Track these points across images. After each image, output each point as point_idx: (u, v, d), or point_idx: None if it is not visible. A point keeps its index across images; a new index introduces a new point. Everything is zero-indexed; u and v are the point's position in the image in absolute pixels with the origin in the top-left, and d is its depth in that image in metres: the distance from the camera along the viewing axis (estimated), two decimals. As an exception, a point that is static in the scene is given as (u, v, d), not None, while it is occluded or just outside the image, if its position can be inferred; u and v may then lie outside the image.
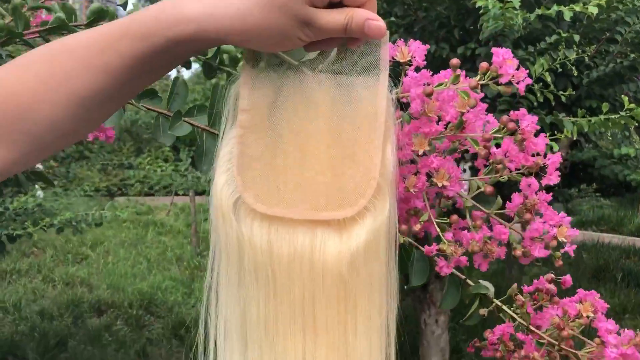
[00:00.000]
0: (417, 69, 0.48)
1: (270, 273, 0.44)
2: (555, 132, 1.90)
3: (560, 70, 2.08)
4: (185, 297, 4.83)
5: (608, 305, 0.54)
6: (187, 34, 0.42)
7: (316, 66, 0.46)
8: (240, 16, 0.41)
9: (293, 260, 0.44)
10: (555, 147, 1.83)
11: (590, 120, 2.08)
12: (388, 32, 0.43)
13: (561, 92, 2.10)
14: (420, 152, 0.47)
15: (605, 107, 2.02)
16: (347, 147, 0.45)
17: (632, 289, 5.10)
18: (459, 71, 0.47)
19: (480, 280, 0.61)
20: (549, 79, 2.00)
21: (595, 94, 2.69)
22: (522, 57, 2.32)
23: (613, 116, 2.03)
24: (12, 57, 0.98)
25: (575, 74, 2.05)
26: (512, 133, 0.47)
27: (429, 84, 0.48)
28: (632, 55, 2.42)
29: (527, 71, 0.48)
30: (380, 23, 0.42)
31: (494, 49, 0.47)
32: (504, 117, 0.47)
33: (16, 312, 4.31)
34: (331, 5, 0.42)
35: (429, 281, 3.36)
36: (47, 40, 0.99)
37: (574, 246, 0.50)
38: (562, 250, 0.50)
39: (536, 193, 0.50)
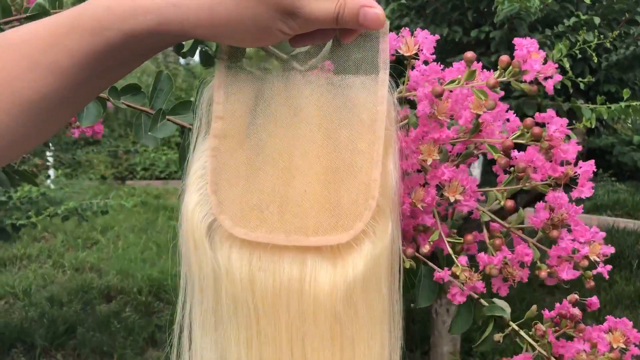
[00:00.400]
0: (426, 63, 0.41)
1: (252, 310, 0.38)
2: (574, 122, 1.82)
3: (580, 56, 1.99)
4: (194, 283, 4.81)
5: (643, 333, 0.48)
6: (146, 28, 0.35)
7: (306, 63, 0.39)
8: (209, 6, 0.34)
9: (279, 295, 0.38)
10: (573, 137, 1.74)
11: (609, 107, 1.99)
12: (388, 22, 0.36)
13: (580, 79, 2.01)
14: (430, 161, 0.40)
15: (626, 93, 1.94)
16: (341, 160, 0.38)
17: (648, 276, 5.01)
18: (474, 66, 0.40)
19: (495, 300, 0.54)
20: (567, 65, 1.91)
21: (614, 78, 2.60)
22: (539, 40, 2.23)
23: (634, 103, 1.94)
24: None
25: (595, 60, 1.96)
26: (538, 139, 0.40)
27: (440, 81, 0.41)
28: (654, 38, 2.32)
29: (545, 54, 0.41)
30: (378, 11, 0.35)
31: (516, 40, 0.40)
32: (528, 120, 0.40)
33: (26, 298, 4.31)
34: None
35: (441, 267, 3.30)
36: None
37: (609, 266, 0.43)
38: (594, 271, 0.44)
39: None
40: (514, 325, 0.53)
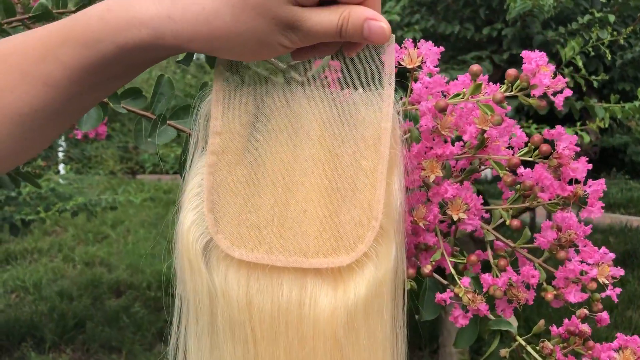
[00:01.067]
0: (430, 75, 0.39)
1: (249, 333, 0.37)
2: (587, 122, 1.79)
3: (593, 54, 1.96)
4: (203, 279, 4.82)
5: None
6: (139, 40, 0.34)
7: (305, 73, 0.37)
8: (205, 19, 0.33)
9: (277, 318, 0.36)
10: (586, 139, 1.72)
11: (623, 107, 1.96)
12: (393, 36, 0.35)
13: (593, 77, 1.97)
14: (432, 178, 0.39)
15: (640, 92, 1.91)
16: (344, 178, 0.36)
17: (661, 276, 4.95)
18: (480, 79, 0.38)
19: (503, 316, 0.53)
20: (580, 63, 1.87)
21: (629, 76, 2.56)
22: (552, 38, 2.20)
23: (648, 102, 1.91)
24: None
25: (609, 57, 1.92)
26: (546, 157, 0.38)
27: (444, 93, 0.39)
28: (670, 36, 2.28)
29: (553, 68, 0.39)
30: (383, 24, 0.33)
31: (524, 53, 0.38)
32: (536, 137, 0.38)
33: (36, 292, 4.34)
34: (323, 4, 0.33)
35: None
36: (30, 28, 0.92)
37: (618, 290, 0.41)
38: (603, 294, 0.42)
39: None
40: (520, 340, 0.51)
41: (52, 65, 0.35)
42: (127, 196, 2.51)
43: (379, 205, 0.36)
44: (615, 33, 1.97)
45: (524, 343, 0.51)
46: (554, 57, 2.13)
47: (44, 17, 0.85)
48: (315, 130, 0.37)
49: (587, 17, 2.03)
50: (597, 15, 2.01)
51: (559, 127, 0.38)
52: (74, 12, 0.87)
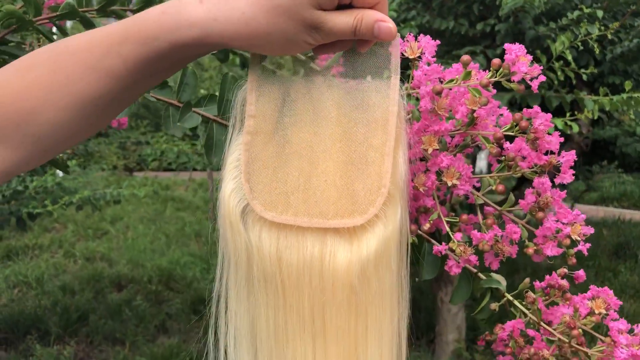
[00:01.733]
0: (428, 64, 0.47)
1: (279, 282, 0.43)
2: (576, 112, 1.86)
3: (582, 48, 2.03)
4: (204, 273, 4.88)
5: (621, 303, 0.53)
6: (190, 39, 0.41)
7: (323, 66, 0.44)
8: (244, 21, 0.40)
9: (302, 270, 0.43)
10: (575, 128, 1.79)
11: (612, 99, 2.03)
12: (399, 35, 0.42)
13: (582, 70, 2.05)
14: (430, 151, 0.46)
15: (628, 85, 1.98)
16: (357, 153, 0.44)
17: (653, 266, 5.05)
18: (470, 67, 0.46)
19: (492, 274, 0.60)
20: (569, 57, 1.95)
21: (618, 70, 2.63)
22: (543, 33, 2.27)
23: (635, 94, 1.98)
24: (23, 45, 0.98)
25: (597, 51, 2.00)
26: (525, 131, 0.46)
27: (440, 79, 0.47)
28: (658, 31, 2.35)
29: (530, 58, 0.47)
30: (390, 25, 0.40)
31: (506, 45, 0.45)
32: (517, 115, 0.46)
33: (38, 287, 4.39)
34: (340, 7, 0.40)
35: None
36: (58, 26, 0.99)
37: (588, 245, 0.48)
38: (575, 249, 0.49)
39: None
40: (508, 296, 0.59)
41: (114, 60, 0.42)
42: (131, 190, 2.57)
43: (387, 175, 0.43)
44: (603, 28, 2.04)
45: (511, 298, 0.59)
46: (546, 51, 2.21)
47: (70, 15, 0.91)
48: (333, 113, 0.44)
49: (576, 12, 2.10)
50: (586, 10, 2.08)
51: (535, 107, 0.45)
52: (98, 10, 0.94)
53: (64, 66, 0.43)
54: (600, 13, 2.05)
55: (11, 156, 0.45)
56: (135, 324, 3.73)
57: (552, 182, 0.48)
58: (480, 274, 0.61)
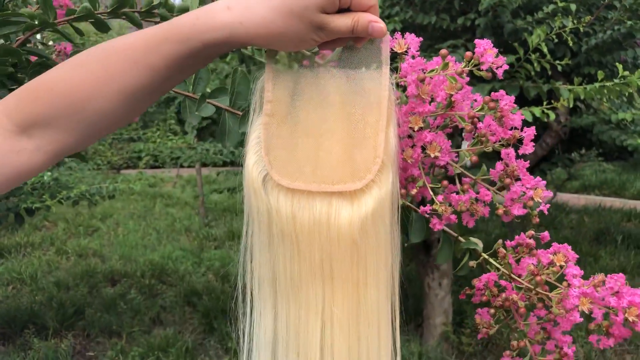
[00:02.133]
0: (413, 57, 0.56)
1: (294, 237, 0.53)
2: (552, 101, 1.97)
3: (556, 40, 2.14)
4: (195, 267, 4.96)
5: (577, 256, 0.63)
6: (220, 39, 0.50)
7: (326, 58, 0.54)
8: (264, 24, 0.49)
9: (313, 226, 0.52)
10: (552, 116, 1.90)
11: (586, 88, 2.14)
12: (388, 32, 0.52)
13: (557, 62, 2.16)
14: (416, 128, 0.56)
15: (600, 74, 2.09)
16: (356, 131, 0.53)
17: (632, 251, 5.21)
18: (448, 59, 0.56)
19: (470, 238, 0.70)
20: (545, 49, 2.06)
21: (594, 61, 2.74)
22: (520, 26, 2.38)
23: (608, 83, 2.09)
24: (44, 43, 1.06)
25: (571, 43, 2.11)
26: (493, 110, 0.55)
27: (423, 70, 0.57)
28: (629, 22, 2.47)
29: (496, 50, 0.56)
30: (381, 25, 0.50)
31: (476, 41, 0.55)
32: (486, 97, 0.56)
33: (33, 283, 4.44)
34: (339, 11, 0.50)
35: (431, 246, 3.47)
36: (75, 28, 1.08)
37: (548, 205, 0.58)
38: (537, 209, 0.59)
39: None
40: (484, 255, 0.69)
41: (155, 56, 0.51)
42: (127, 184, 2.64)
43: (380, 148, 0.53)
44: (576, 21, 2.15)
45: (486, 257, 0.69)
46: (523, 44, 2.32)
47: (86, 17, 1.00)
48: (335, 98, 0.54)
49: (551, 6, 2.21)
50: (561, 4, 2.19)
51: (501, 91, 0.55)
52: (109, 13, 1.03)
53: (112, 62, 0.52)
54: (573, 7, 2.16)
55: (66, 139, 0.54)
56: (131, 317, 3.80)
57: (517, 154, 0.58)
58: (460, 238, 0.71)
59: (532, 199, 0.58)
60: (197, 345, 3.49)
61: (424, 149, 0.57)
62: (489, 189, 0.59)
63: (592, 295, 0.57)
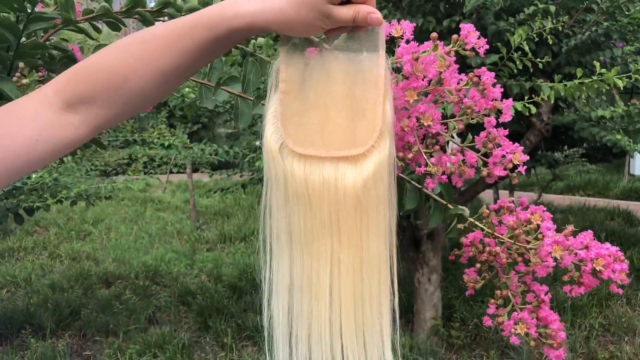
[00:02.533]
0: (407, 42, 0.66)
1: (306, 197, 0.60)
2: (533, 96, 2.08)
3: (537, 39, 2.25)
4: (188, 268, 5.02)
5: (552, 215, 0.73)
6: (242, 25, 0.58)
7: (331, 43, 0.62)
8: (280, 12, 0.58)
9: (323, 187, 0.60)
10: (533, 110, 2.01)
11: (566, 85, 2.26)
12: (384, 21, 0.61)
13: (539, 60, 2.27)
14: (412, 101, 0.65)
15: (579, 72, 2.20)
16: (357, 105, 0.61)
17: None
18: (438, 42, 0.65)
19: (458, 205, 0.80)
20: (527, 48, 2.17)
21: (574, 61, 2.85)
22: (503, 27, 2.50)
23: (586, 80, 2.21)
24: (66, 40, 1.14)
25: (551, 42, 2.22)
26: (476, 84, 0.65)
27: (415, 52, 0.66)
28: (606, 24, 2.58)
29: (478, 33, 0.65)
30: (379, 15, 0.59)
31: (461, 25, 0.65)
32: (470, 74, 0.65)
33: (27, 286, 4.48)
34: (343, 3, 0.59)
35: (421, 242, 3.57)
36: (94, 26, 1.16)
37: (526, 167, 0.68)
38: (516, 171, 0.69)
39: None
40: (470, 219, 0.78)
41: (187, 41, 0.60)
42: (125, 183, 2.72)
43: (379, 119, 0.61)
44: (555, 21, 2.27)
45: (473, 220, 0.78)
46: (506, 44, 2.43)
47: (104, 16, 1.09)
48: (340, 78, 0.62)
49: (532, 7, 2.33)
50: (541, 6, 2.31)
51: (483, 68, 0.64)
52: (125, 12, 1.12)
53: (150, 47, 0.61)
54: (552, 8, 2.28)
55: (107, 114, 0.63)
56: (127, 316, 3.86)
57: (498, 123, 0.68)
58: (449, 205, 0.81)
59: (511, 161, 0.68)
60: (193, 342, 3.55)
61: (418, 119, 0.66)
62: (474, 154, 0.68)
63: (563, 243, 0.66)
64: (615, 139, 2.71)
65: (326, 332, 0.62)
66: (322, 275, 0.62)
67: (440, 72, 0.64)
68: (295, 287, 0.63)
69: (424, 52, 0.65)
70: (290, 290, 0.63)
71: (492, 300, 0.75)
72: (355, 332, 0.63)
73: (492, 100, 0.64)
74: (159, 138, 3.13)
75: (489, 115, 0.65)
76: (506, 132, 0.67)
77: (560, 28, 2.14)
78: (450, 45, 0.63)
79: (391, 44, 0.67)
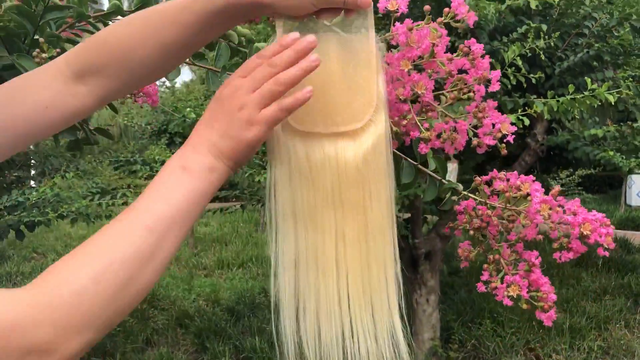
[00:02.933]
0: (402, 16, 0.71)
1: (309, 172, 0.63)
2: (527, 108, 2.13)
3: (529, 54, 2.32)
4: (185, 293, 5.02)
5: (540, 183, 0.77)
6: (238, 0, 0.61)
7: (323, 25, 0.65)
8: None
9: (324, 162, 0.63)
10: (526, 122, 2.06)
11: (558, 101, 2.32)
12: (372, 3, 0.65)
13: (532, 75, 2.34)
14: (406, 70, 0.70)
15: (571, 87, 2.27)
16: (352, 82, 0.65)
17: (612, 274, 5.36)
18: (430, 16, 0.70)
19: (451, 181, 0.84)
20: (520, 63, 2.24)
21: (567, 83, 2.93)
22: (497, 47, 2.57)
23: (578, 96, 2.27)
24: (80, 37, 1.20)
25: (543, 58, 2.29)
26: (467, 54, 0.70)
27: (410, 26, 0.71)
28: (597, 46, 2.67)
29: (467, 7, 0.70)
30: None
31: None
32: (461, 45, 0.70)
33: (25, 309, 4.46)
34: None
35: (418, 262, 3.59)
36: (106, 24, 1.22)
37: (514, 136, 0.72)
38: (505, 140, 0.73)
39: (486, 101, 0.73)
40: (464, 192, 0.82)
41: (188, 15, 0.63)
42: (125, 199, 2.75)
43: (374, 94, 0.64)
44: (547, 38, 2.34)
45: (467, 193, 0.82)
46: (502, 62, 2.51)
47: (115, 14, 1.14)
48: (334, 57, 0.65)
49: (524, 27, 2.41)
50: (533, 25, 2.39)
51: (472, 39, 0.69)
52: (134, 11, 1.17)
53: (153, 20, 0.65)
54: (544, 27, 2.36)
55: (110, 85, 0.67)
56: (124, 338, 3.85)
57: (487, 93, 0.72)
58: (443, 180, 0.85)
59: (500, 131, 0.72)
60: (191, 361, 3.54)
61: (412, 88, 0.71)
62: (464, 123, 0.73)
63: (551, 202, 0.70)
64: (608, 156, 2.76)
65: (335, 305, 0.64)
66: (328, 249, 0.64)
67: (433, 44, 0.68)
68: (301, 262, 0.64)
69: (418, 25, 0.69)
70: (297, 265, 0.65)
71: (485, 266, 0.79)
72: (364, 302, 0.64)
73: (482, 71, 0.68)
74: (160, 155, 3.18)
75: (479, 83, 0.69)
76: (495, 103, 0.72)
77: (552, 44, 2.21)
78: (442, 18, 0.68)
79: (386, 18, 0.72)
